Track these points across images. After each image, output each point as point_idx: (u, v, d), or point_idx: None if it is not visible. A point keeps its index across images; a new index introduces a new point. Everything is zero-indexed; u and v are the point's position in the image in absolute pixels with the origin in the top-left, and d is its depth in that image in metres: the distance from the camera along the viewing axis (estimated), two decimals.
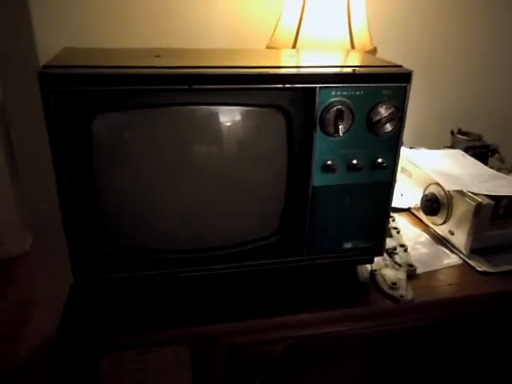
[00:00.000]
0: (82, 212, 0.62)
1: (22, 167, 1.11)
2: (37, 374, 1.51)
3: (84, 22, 1.03)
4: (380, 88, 0.65)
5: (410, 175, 1.00)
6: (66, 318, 0.67)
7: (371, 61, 0.78)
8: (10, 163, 1.89)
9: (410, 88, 0.66)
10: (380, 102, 0.65)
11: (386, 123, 0.66)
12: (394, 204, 0.89)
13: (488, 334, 0.81)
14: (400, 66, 0.68)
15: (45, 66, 0.57)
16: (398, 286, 0.74)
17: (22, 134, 1.07)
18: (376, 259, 0.79)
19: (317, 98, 0.63)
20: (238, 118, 0.64)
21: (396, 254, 0.83)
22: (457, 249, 0.87)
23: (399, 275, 0.77)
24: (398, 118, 0.67)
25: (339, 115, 0.64)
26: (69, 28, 1.02)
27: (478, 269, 0.82)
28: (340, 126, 0.65)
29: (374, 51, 1.01)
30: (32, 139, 0.93)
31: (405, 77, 0.66)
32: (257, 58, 0.77)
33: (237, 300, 0.72)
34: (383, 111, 0.66)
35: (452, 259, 0.85)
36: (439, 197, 0.90)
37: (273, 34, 1.01)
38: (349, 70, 0.65)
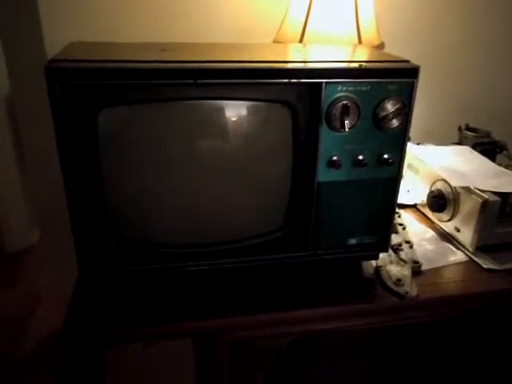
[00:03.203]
0: (87, 205, 0.62)
1: (31, 161, 1.12)
2: (43, 365, 1.52)
3: (91, 17, 1.03)
4: (387, 83, 0.65)
5: (416, 171, 0.99)
6: (72, 311, 0.68)
7: (378, 56, 0.78)
8: (18, 157, 1.90)
9: (417, 83, 0.66)
10: (386, 98, 0.65)
11: (392, 119, 0.66)
12: (401, 200, 0.89)
13: (493, 331, 0.81)
14: (407, 61, 0.68)
15: (51, 60, 0.57)
16: (402, 282, 0.74)
17: (30, 128, 1.08)
18: (381, 255, 0.78)
19: (323, 93, 0.63)
20: (243, 112, 0.64)
21: (401, 250, 0.82)
22: (462, 246, 0.86)
23: (404, 271, 0.77)
24: (405, 113, 0.66)
25: (345, 110, 0.64)
26: (76, 23, 1.02)
27: (484, 266, 0.81)
28: (346, 122, 0.64)
29: (381, 46, 1.00)
30: (41, 133, 0.94)
31: (412, 72, 0.65)
32: (263, 52, 0.77)
33: (241, 295, 0.72)
34: (390, 107, 0.65)
35: (457, 256, 0.84)
36: (446, 193, 0.89)
37: (280, 28, 1.01)
38: (355, 65, 0.65)
